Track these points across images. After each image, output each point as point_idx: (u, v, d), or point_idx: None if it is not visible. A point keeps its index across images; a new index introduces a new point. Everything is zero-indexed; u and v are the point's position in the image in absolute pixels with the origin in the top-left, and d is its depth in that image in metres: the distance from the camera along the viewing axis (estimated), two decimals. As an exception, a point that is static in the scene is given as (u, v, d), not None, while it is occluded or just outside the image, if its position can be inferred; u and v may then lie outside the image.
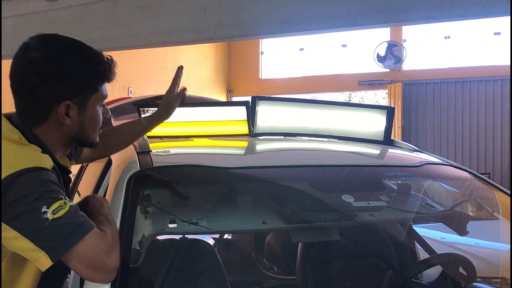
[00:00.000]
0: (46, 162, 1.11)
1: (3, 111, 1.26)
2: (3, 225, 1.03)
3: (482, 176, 1.94)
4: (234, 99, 10.26)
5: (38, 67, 1.14)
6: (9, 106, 1.26)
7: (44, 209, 1.03)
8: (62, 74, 1.15)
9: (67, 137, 1.22)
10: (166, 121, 2.02)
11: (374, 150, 2.04)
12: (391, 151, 2.05)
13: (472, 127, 8.32)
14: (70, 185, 1.34)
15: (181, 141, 2.04)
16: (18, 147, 1.12)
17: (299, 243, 2.00)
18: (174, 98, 1.56)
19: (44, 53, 1.15)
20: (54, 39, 1.19)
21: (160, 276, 1.46)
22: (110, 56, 1.25)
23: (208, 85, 9.93)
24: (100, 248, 1.08)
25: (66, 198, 1.08)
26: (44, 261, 1.03)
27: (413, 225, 2.18)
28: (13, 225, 1.03)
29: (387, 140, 2.11)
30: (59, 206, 1.04)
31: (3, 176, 1.03)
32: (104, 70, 1.21)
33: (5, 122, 1.18)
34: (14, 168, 1.04)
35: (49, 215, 1.03)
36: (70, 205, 1.07)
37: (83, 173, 2.78)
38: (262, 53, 10.41)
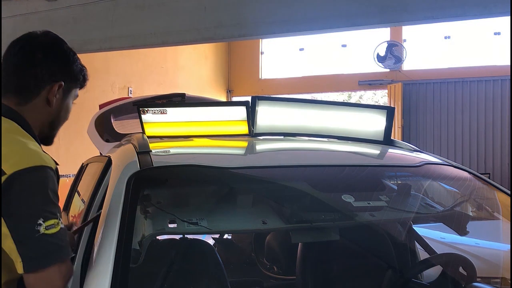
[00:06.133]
0: (51, 161, 1.14)
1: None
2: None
3: (482, 176, 1.94)
4: (234, 99, 10.26)
5: (43, 46, 1.26)
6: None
7: (40, 221, 1.06)
8: (63, 57, 1.28)
9: (45, 121, 1.27)
10: (166, 121, 2.03)
11: (374, 150, 2.04)
12: (391, 151, 2.05)
13: (472, 127, 8.32)
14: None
15: (181, 141, 2.04)
16: (26, 141, 1.15)
17: (299, 243, 1.99)
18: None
19: (50, 38, 1.29)
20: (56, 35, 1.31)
21: (160, 276, 1.46)
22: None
23: (208, 85, 9.93)
24: (57, 284, 1.08)
25: (60, 218, 1.11)
26: (19, 267, 1.06)
27: (413, 225, 2.17)
28: (7, 222, 1.05)
29: (387, 140, 2.11)
30: (53, 224, 1.08)
31: (10, 171, 1.05)
32: (83, 77, 1.34)
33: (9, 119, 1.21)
34: (22, 165, 1.06)
35: (42, 229, 1.06)
36: (61, 227, 1.10)
37: (83, 173, 2.78)
38: (262, 53, 10.41)
